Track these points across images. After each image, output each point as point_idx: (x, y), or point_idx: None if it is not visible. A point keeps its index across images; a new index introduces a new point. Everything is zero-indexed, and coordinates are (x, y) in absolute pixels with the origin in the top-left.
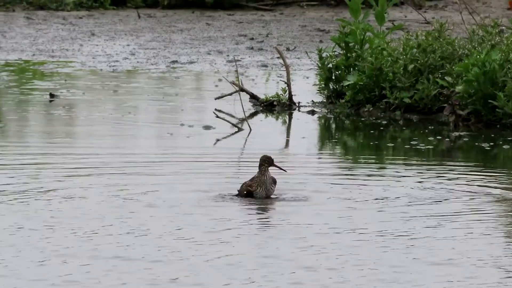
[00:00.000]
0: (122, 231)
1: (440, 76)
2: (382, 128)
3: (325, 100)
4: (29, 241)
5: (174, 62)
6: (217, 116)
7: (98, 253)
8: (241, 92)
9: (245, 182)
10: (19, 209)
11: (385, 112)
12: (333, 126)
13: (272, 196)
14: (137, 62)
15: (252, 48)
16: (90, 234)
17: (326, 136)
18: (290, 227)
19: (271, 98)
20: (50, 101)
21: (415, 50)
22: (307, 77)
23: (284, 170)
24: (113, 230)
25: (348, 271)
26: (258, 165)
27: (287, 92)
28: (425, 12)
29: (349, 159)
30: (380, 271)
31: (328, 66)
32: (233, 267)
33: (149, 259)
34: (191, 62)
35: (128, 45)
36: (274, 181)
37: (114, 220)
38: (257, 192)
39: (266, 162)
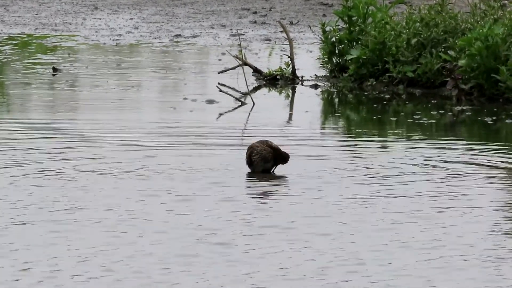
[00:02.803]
0: (120, 204)
1: (443, 50)
2: (385, 102)
3: (328, 74)
4: (27, 215)
5: (177, 36)
6: (220, 90)
7: (97, 228)
8: (244, 66)
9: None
10: (23, 183)
11: (388, 86)
12: (336, 100)
13: (272, 171)
14: (140, 36)
15: (255, 22)
16: (96, 206)
17: (329, 110)
18: (288, 200)
19: (274, 72)
20: (53, 75)
21: (418, 24)
22: (310, 51)
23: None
24: (109, 204)
25: (342, 245)
26: (279, 153)
27: (290, 66)
28: None
29: (352, 133)
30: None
31: (332, 40)
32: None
33: (150, 231)
34: (194, 36)
35: (131, 18)
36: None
37: (112, 194)
38: (256, 161)
39: (284, 161)
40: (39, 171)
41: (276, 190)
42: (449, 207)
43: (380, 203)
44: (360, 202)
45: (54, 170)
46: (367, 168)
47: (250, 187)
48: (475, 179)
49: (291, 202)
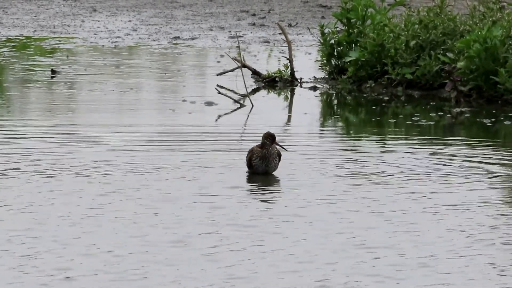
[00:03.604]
0: (121, 207)
1: (441, 52)
2: (384, 104)
3: (327, 76)
4: (22, 216)
5: (176, 38)
6: (219, 92)
7: (106, 227)
8: (243, 68)
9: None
10: (23, 183)
11: (387, 88)
12: (335, 102)
13: (273, 173)
14: (139, 38)
15: (254, 24)
16: (93, 206)
17: (328, 112)
18: (288, 202)
19: (273, 74)
20: (52, 77)
21: (416, 26)
22: (309, 53)
23: (285, 149)
24: (109, 207)
25: (342, 247)
26: (261, 141)
27: (289, 68)
28: None
29: (351, 135)
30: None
31: (330, 42)
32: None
33: (150, 225)
34: (193, 38)
35: (130, 21)
36: (278, 155)
37: (111, 194)
38: (257, 165)
39: (269, 139)
40: (28, 171)
41: (270, 190)
42: (445, 207)
43: (375, 203)
44: (353, 202)
45: (47, 171)
46: (363, 169)
47: (246, 187)
48: (473, 180)
49: (269, 201)
